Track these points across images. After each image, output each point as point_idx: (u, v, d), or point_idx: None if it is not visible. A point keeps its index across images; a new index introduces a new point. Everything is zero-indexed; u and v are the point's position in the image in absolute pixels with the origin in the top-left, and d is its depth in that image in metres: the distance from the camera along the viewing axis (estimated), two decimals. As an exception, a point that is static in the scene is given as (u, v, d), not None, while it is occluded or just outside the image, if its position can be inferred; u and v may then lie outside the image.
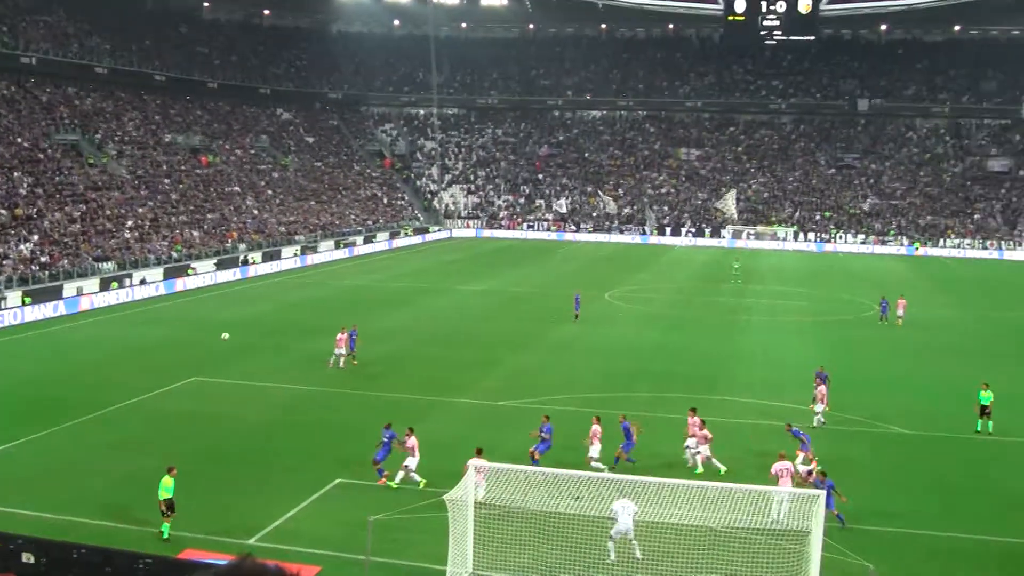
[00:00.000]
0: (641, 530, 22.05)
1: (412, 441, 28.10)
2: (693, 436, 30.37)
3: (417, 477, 27.74)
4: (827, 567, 20.32)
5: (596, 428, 29.83)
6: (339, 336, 43.78)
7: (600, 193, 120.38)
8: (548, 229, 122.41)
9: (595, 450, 29.36)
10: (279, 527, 24.54)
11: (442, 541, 21.67)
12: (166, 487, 23.52)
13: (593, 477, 24.81)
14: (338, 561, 22.48)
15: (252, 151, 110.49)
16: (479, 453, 26.40)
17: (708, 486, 22.67)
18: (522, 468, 24.67)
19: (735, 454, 31.68)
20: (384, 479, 27.80)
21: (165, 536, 23.28)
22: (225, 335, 46.26)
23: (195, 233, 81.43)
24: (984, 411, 35.13)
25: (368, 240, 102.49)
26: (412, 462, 27.88)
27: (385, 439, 28.41)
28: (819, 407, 35.12)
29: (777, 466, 25.92)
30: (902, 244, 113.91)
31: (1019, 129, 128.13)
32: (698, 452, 29.99)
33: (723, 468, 29.26)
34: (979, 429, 35.17)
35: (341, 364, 43.11)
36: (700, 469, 29.42)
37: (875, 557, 21.52)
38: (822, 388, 35.60)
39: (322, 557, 22.46)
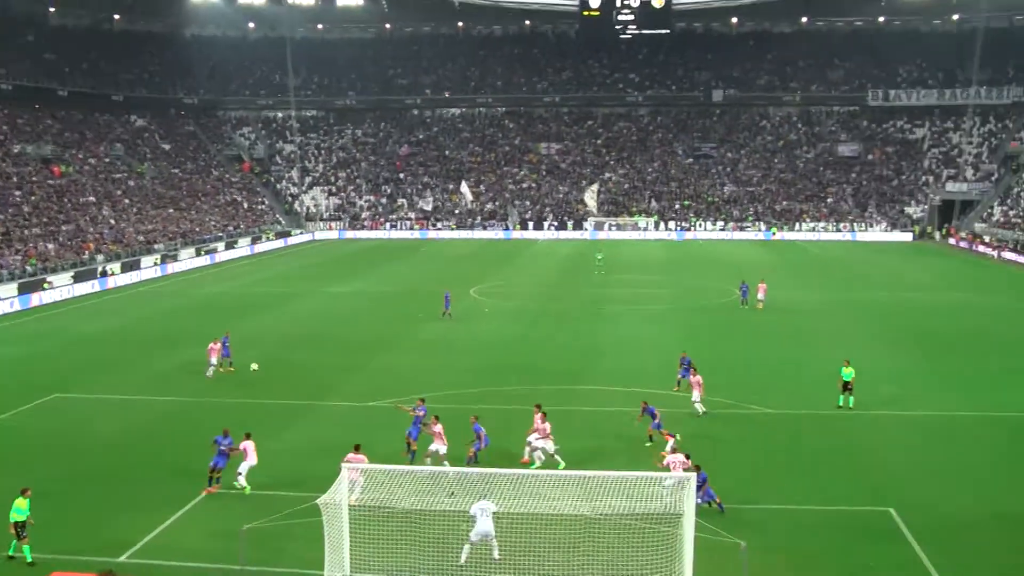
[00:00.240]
0: (512, 521, 22.21)
1: (246, 444, 27.95)
2: (536, 431, 30.19)
3: (243, 482, 27.65)
4: (701, 547, 20.79)
5: (437, 428, 29.76)
6: (211, 346, 43.11)
7: (463, 187, 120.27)
8: (411, 228, 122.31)
9: (438, 447, 29.35)
10: (150, 543, 24.09)
11: (318, 546, 21.56)
12: (18, 508, 22.89)
13: (468, 473, 24.96)
14: (212, 573, 22.19)
15: (107, 159, 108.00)
16: (357, 449, 26.43)
17: (580, 475, 22.98)
18: (395, 468, 24.69)
19: (605, 443, 32.24)
20: (216, 487, 27.57)
21: (29, 560, 22.64)
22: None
23: (50, 246, 79.33)
24: (846, 387, 36.43)
25: (229, 246, 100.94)
26: (245, 467, 27.75)
27: (223, 447, 28.14)
28: (696, 395, 35.56)
29: (671, 458, 26.38)
30: (760, 229, 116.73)
31: (866, 115, 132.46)
32: (536, 449, 29.89)
33: (563, 463, 29.38)
34: (841, 404, 36.39)
35: (209, 373, 42.48)
36: (537, 464, 29.45)
37: (747, 534, 22.09)
38: (698, 378, 36.02)
39: (195, 570, 22.15)
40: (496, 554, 22.19)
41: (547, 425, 30.13)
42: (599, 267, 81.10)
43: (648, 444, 31.34)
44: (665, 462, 26.43)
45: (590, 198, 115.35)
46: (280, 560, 22.90)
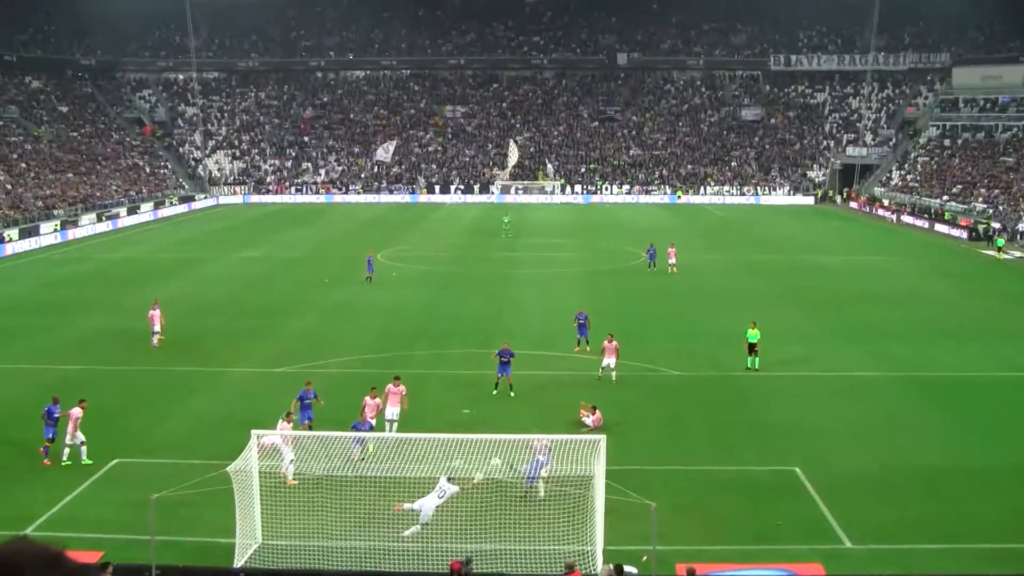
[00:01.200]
0: (426, 486, 22.25)
1: (76, 412, 27.39)
2: (395, 406, 29.23)
3: (67, 453, 27.28)
4: (611, 509, 21.05)
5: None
6: (151, 312, 41.87)
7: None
8: (317, 192, 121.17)
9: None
10: (57, 514, 23.75)
11: (230, 513, 21.45)
12: None
13: (378, 437, 25.03)
14: (122, 543, 21.90)
15: (0, 123, 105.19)
16: (288, 417, 26.64)
17: (493, 439, 23.13)
18: (306, 434, 24.65)
19: (516, 408, 32.42)
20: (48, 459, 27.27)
21: None
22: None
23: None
24: (752, 349, 37.01)
25: (132, 211, 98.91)
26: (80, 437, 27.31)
27: (53, 417, 27.66)
28: (608, 361, 35.53)
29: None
30: (665, 193, 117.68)
31: (768, 80, 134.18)
32: (395, 420, 29.18)
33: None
34: (748, 366, 36.98)
35: (155, 342, 41.14)
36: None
37: (657, 495, 22.37)
38: (615, 343, 35.77)
39: (104, 541, 21.85)
40: (407, 533, 22.02)
41: (377, 401, 28.94)
42: (506, 231, 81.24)
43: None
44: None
45: (511, 155, 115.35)
46: (192, 529, 22.75)
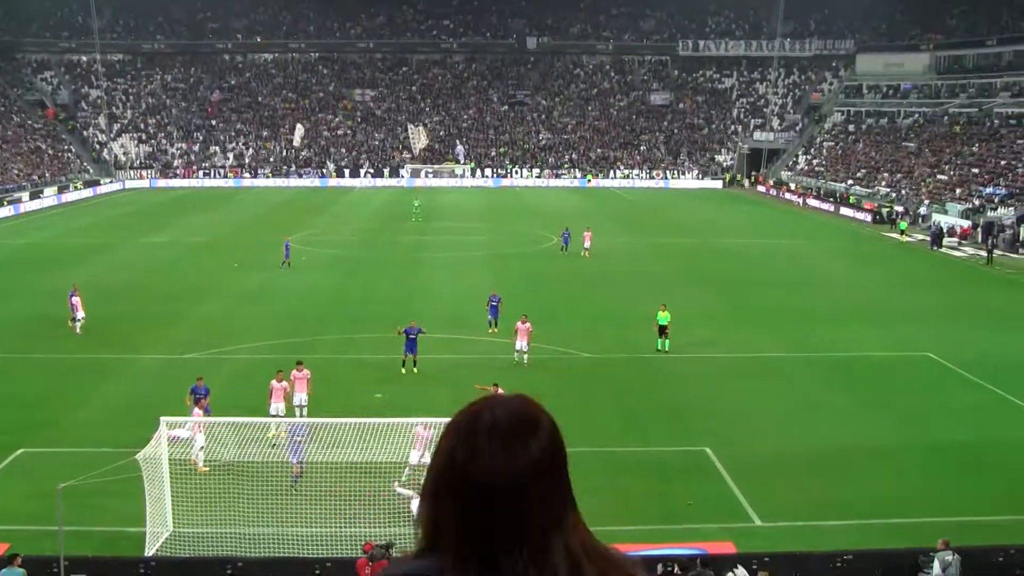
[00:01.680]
0: (339, 472, 22.20)
1: None
2: (302, 391, 28.90)
3: None
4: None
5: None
6: (72, 299, 41.00)
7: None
8: (225, 176, 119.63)
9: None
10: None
11: (139, 502, 21.23)
12: None
13: (287, 423, 24.94)
14: (29, 535, 21.55)
15: None
16: (200, 403, 26.25)
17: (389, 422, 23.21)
18: (217, 420, 24.44)
19: (428, 390, 32.45)
20: None
21: None
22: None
23: None
24: (663, 331, 37.44)
25: (35, 196, 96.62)
26: None
27: None
28: (520, 344, 35.62)
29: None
30: (575, 177, 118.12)
31: (676, 65, 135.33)
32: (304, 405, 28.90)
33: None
34: (659, 348, 37.42)
35: (78, 330, 40.56)
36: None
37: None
38: (527, 325, 36.01)
39: (10, 533, 21.50)
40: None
41: (284, 385, 28.49)
42: (416, 214, 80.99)
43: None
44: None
45: (418, 139, 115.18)
46: (102, 519, 22.49)
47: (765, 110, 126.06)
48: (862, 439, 28.07)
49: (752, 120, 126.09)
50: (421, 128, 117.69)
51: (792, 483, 24.75)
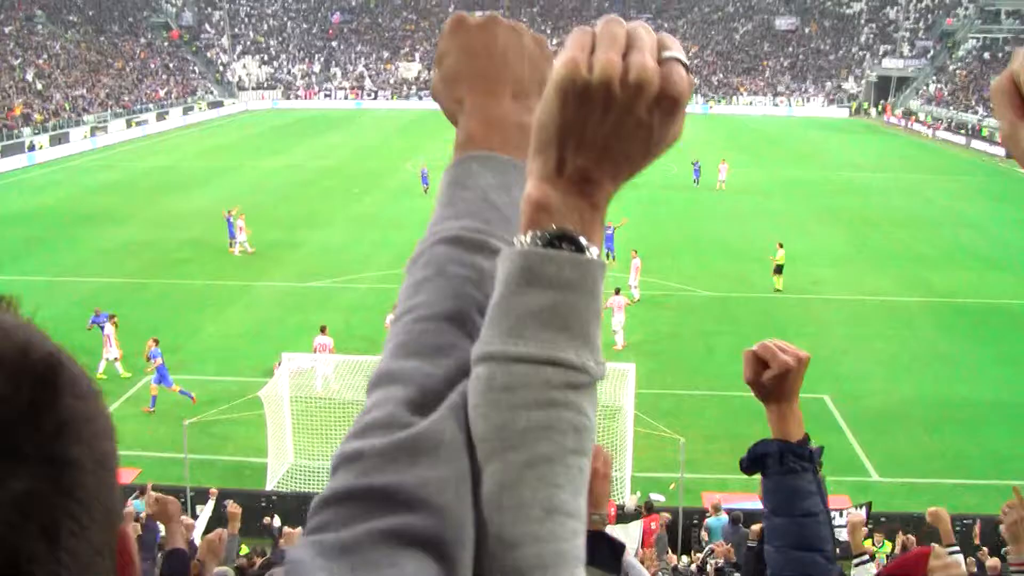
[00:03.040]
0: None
1: (108, 329, 28.10)
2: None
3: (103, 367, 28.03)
4: (640, 436, 21.17)
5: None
6: (239, 222, 42.75)
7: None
8: (346, 98, 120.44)
9: None
10: (92, 430, 24.06)
11: (261, 433, 21.72)
12: None
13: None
14: (157, 461, 22.21)
15: (28, 23, 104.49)
16: (323, 331, 26.71)
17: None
18: (339, 357, 24.78)
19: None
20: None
21: None
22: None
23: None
24: (779, 270, 36.81)
25: (161, 117, 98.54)
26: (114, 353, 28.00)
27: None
28: (630, 280, 35.31)
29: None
30: (696, 103, 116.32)
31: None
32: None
33: None
34: (777, 288, 36.84)
35: (244, 249, 42.59)
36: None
37: (685, 421, 22.43)
38: (636, 261, 35.61)
39: (140, 459, 22.13)
40: None
41: None
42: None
43: None
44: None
45: None
46: (224, 448, 23.03)
47: (895, 36, 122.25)
48: (987, 393, 27.23)
49: (881, 46, 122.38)
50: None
51: (911, 437, 24.25)
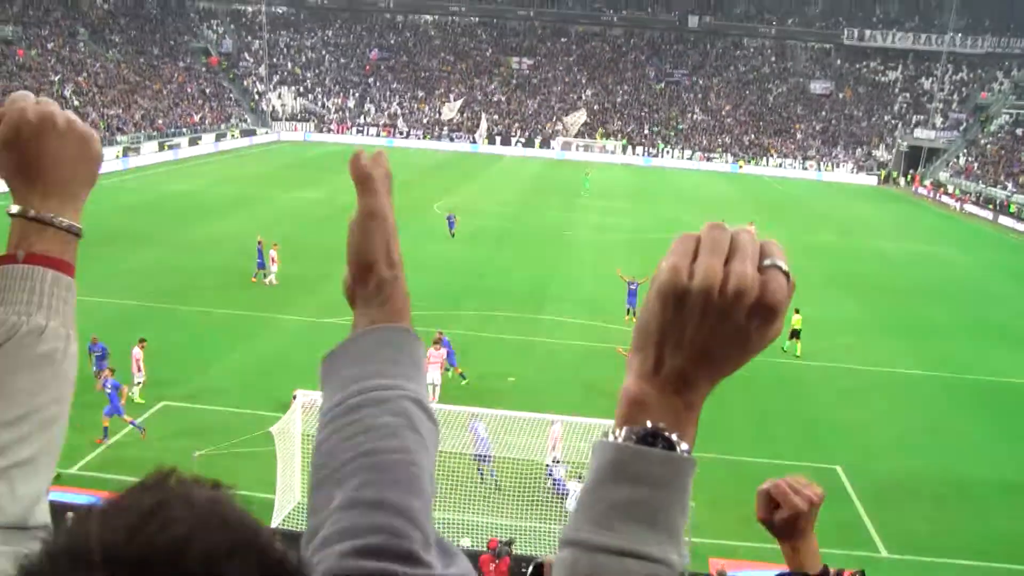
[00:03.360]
0: (467, 461, 22.40)
1: (136, 352, 28.45)
2: (436, 372, 29.33)
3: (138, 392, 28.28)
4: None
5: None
6: (271, 252, 43.59)
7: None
8: (378, 134, 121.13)
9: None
10: (102, 454, 24.13)
11: (270, 468, 21.71)
12: None
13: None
14: (163, 490, 22.21)
15: (71, 40, 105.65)
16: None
17: (527, 417, 23.25)
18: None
19: (560, 375, 32.50)
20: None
21: None
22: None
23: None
24: (794, 334, 36.73)
25: (193, 142, 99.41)
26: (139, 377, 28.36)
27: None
28: None
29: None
30: (726, 161, 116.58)
31: (840, 54, 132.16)
32: (437, 384, 29.34)
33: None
34: (785, 349, 36.69)
35: (271, 281, 43.32)
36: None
37: (694, 484, 22.21)
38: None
39: (146, 486, 22.13)
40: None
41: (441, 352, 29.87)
42: (587, 190, 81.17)
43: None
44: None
45: (573, 122, 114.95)
46: (233, 479, 22.75)
47: (928, 106, 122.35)
48: (1001, 473, 27.05)
49: (914, 116, 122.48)
50: (578, 114, 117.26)
51: (922, 513, 24.09)
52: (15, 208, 2.04)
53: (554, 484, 23.34)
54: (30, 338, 1.93)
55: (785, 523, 2.80)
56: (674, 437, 1.42)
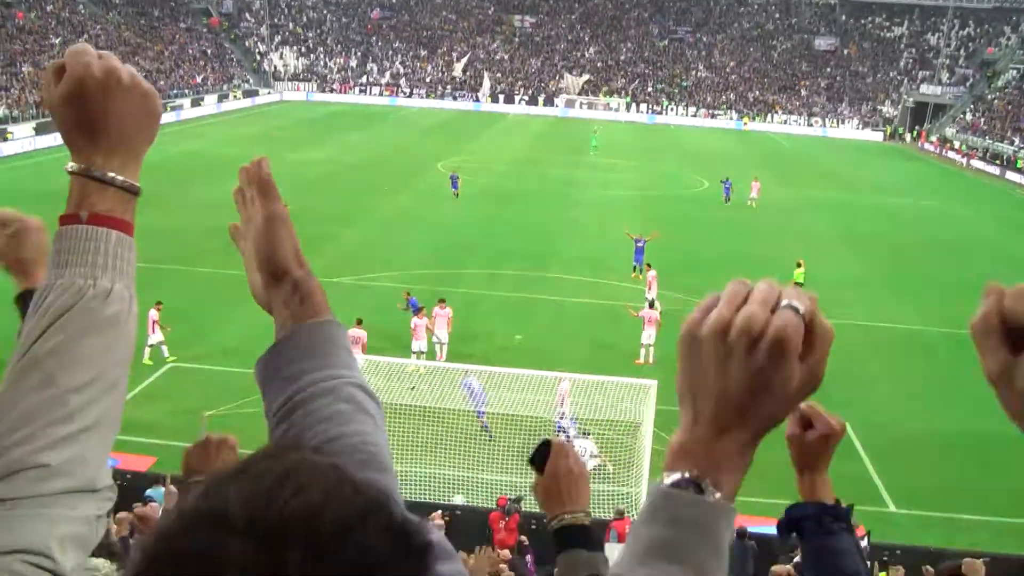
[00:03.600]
0: (472, 418, 22.41)
1: (153, 314, 28.54)
2: (443, 328, 29.74)
3: (148, 353, 28.39)
4: (659, 452, 21.09)
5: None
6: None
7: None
8: (381, 94, 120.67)
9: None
10: (111, 415, 24.17)
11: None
12: None
13: (429, 366, 25.18)
14: (173, 450, 22.20)
15: (71, 2, 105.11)
16: (359, 323, 27.49)
17: (534, 375, 23.22)
18: (368, 358, 24.82)
19: (567, 331, 32.52)
20: None
21: None
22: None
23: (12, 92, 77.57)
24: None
25: (195, 103, 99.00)
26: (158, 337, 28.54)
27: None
28: (651, 294, 35.33)
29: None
30: (731, 119, 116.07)
31: (845, 9, 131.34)
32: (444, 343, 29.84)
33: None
34: (793, 307, 36.71)
35: None
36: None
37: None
38: (652, 272, 35.89)
39: (157, 447, 22.22)
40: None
41: (426, 322, 29.48)
42: (595, 148, 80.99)
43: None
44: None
45: (573, 83, 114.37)
46: (241, 441, 22.98)
47: (934, 62, 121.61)
48: (1009, 427, 26.02)
49: (920, 72, 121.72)
50: (574, 77, 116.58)
51: (929, 468, 24.12)
52: (77, 166, 2.01)
53: (565, 438, 23.40)
54: (96, 301, 1.91)
55: (814, 444, 2.80)
56: (704, 483, 1.49)
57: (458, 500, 20.92)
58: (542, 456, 2.92)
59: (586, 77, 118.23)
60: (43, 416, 1.79)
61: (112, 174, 2.03)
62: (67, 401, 1.82)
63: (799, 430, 2.86)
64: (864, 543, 17.46)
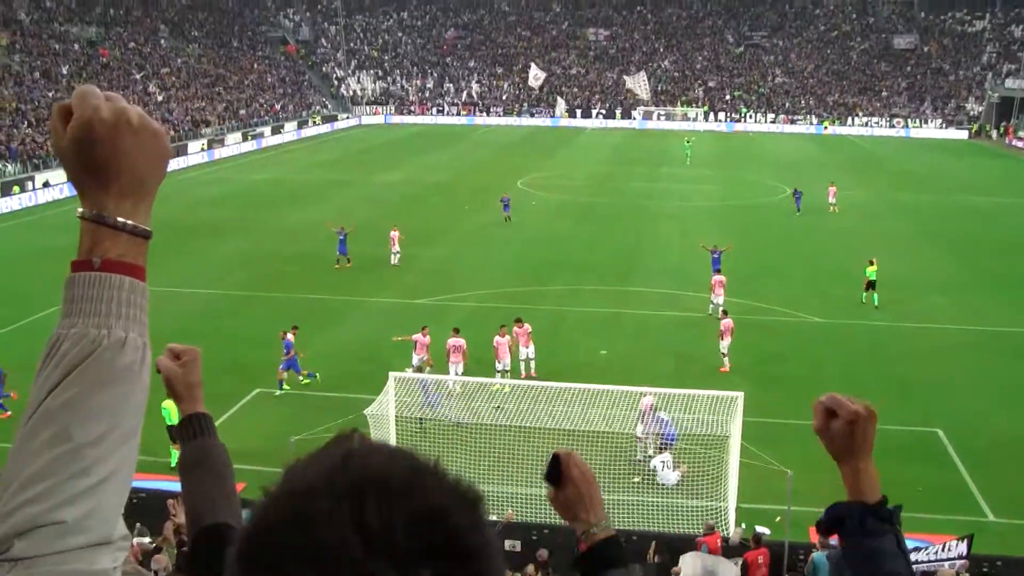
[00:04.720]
0: (558, 437, 22.25)
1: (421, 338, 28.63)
2: (527, 346, 29.56)
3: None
4: (746, 465, 20.83)
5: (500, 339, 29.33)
6: (392, 234, 44.36)
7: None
8: (458, 113, 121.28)
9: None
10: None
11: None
12: (167, 411, 22.20)
13: (515, 385, 25.12)
14: (261, 476, 22.35)
15: (152, 37, 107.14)
16: (456, 332, 28.00)
17: (625, 390, 23.04)
18: (444, 378, 24.86)
19: (650, 346, 32.30)
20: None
21: (173, 464, 22.63)
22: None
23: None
24: (871, 285, 37.11)
25: (276, 131, 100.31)
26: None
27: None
28: (717, 299, 35.13)
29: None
30: (811, 123, 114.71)
31: (924, 6, 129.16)
32: (532, 359, 29.65)
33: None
34: (863, 301, 37.03)
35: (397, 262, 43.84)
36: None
37: (792, 452, 21.96)
38: (721, 277, 35.76)
39: (245, 472, 22.34)
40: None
41: (507, 340, 29.04)
42: (688, 156, 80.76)
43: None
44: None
45: (637, 85, 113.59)
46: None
47: (1020, 55, 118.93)
48: None
49: (1005, 66, 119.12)
50: (638, 76, 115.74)
51: (1024, 473, 23.53)
52: (88, 211, 1.97)
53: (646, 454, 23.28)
54: (111, 352, 1.88)
55: (842, 432, 2.68)
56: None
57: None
58: (555, 470, 2.86)
59: (641, 73, 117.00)
60: (59, 471, 1.79)
61: (124, 219, 1.98)
62: (83, 455, 1.82)
63: (824, 422, 2.76)
64: (964, 548, 17.04)
